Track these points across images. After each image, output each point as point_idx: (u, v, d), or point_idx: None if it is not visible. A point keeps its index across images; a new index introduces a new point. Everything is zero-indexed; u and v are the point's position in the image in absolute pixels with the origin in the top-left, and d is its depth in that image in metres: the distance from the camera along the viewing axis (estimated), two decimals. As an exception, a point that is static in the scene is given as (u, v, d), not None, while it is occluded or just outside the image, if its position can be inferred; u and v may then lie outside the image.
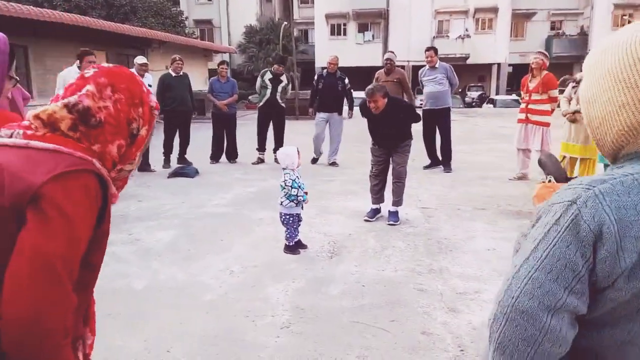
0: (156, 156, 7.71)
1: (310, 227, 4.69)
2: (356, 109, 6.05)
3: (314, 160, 8.12)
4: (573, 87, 5.77)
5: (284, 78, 8.01)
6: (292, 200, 3.91)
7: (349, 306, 3.09)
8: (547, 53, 6.54)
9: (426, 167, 7.50)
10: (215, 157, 8.33)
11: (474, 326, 2.83)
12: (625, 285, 0.73)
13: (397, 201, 4.84)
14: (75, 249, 0.95)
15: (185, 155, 8.03)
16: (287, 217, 3.96)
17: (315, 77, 8.15)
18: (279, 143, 8.19)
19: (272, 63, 8.13)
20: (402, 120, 4.74)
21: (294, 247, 4.00)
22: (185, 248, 4.15)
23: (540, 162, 5.43)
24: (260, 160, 8.11)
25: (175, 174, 7.13)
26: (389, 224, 4.71)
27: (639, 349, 0.78)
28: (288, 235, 3.98)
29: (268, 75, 7.96)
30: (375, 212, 4.94)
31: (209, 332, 2.80)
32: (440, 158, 7.45)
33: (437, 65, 7.25)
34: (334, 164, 7.96)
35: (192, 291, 3.33)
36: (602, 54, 0.85)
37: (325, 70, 8.10)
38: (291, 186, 3.88)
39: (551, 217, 0.78)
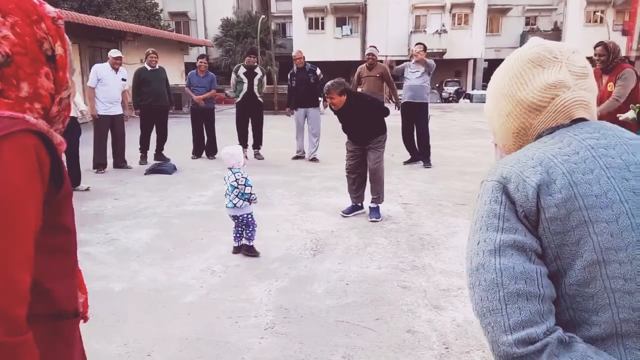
0: (132, 152, 7.55)
1: (292, 224, 4.66)
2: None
3: (296, 157, 8.08)
4: None
5: (258, 70, 7.89)
6: (246, 199, 3.78)
7: (334, 305, 3.07)
8: None
9: (406, 162, 7.52)
10: (197, 152, 8.23)
11: (458, 323, 2.84)
12: (551, 200, 0.84)
13: (376, 198, 4.81)
14: (26, 225, 0.82)
15: (163, 151, 7.89)
16: (246, 216, 3.82)
17: (288, 76, 8.13)
18: (258, 139, 8.13)
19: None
20: (368, 116, 4.66)
21: (253, 247, 3.87)
22: (165, 248, 4.06)
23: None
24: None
25: (153, 170, 6.98)
26: (370, 221, 4.70)
27: (617, 264, 0.81)
28: (250, 235, 3.84)
29: (242, 70, 7.84)
30: (353, 209, 4.90)
31: (190, 335, 2.74)
32: (419, 154, 7.48)
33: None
34: (314, 159, 7.92)
35: (172, 292, 3.26)
36: (493, 76, 1.05)
37: (295, 67, 8.05)
38: (245, 184, 3.76)
39: (477, 201, 0.95)
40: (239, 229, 3.87)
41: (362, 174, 4.88)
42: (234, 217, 3.84)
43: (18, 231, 0.81)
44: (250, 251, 3.85)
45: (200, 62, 8.13)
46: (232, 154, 3.83)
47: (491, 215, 0.88)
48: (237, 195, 3.76)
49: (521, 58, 0.99)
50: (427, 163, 7.33)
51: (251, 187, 3.79)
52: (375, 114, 4.73)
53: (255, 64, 7.91)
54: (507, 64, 1.02)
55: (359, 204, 4.94)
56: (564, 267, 0.85)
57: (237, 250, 3.90)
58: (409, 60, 7.43)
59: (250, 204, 3.82)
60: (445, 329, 2.77)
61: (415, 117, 7.36)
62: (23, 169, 0.82)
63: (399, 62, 7.74)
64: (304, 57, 7.93)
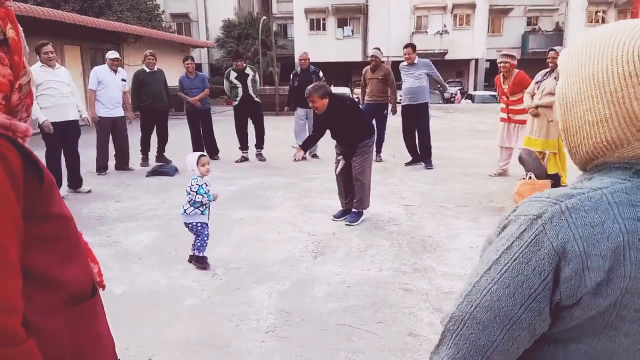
0: (134, 154, 7.55)
1: (293, 226, 4.65)
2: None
3: (303, 158, 8.10)
4: (536, 82, 5.79)
5: (249, 71, 7.89)
6: (197, 208, 3.62)
7: (335, 308, 3.06)
8: (512, 54, 6.50)
9: (408, 164, 7.51)
10: None
11: (460, 326, 2.82)
12: (591, 302, 0.72)
13: (358, 203, 4.72)
14: (2, 232, 0.77)
15: (164, 153, 7.91)
16: (196, 224, 3.65)
17: (291, 76, 8.24)
18: (260, 140, 8.15)
19: (247, 60, 8.11)
20: (347, 121, 4.60)
21: (205, 259, 3.69)
22: (166, 250, 4.06)
23: (520, 159, 5.47)
24: (244, 159, 8.04)
25: (154, 172, 6.98)
26: (346, 224, 4.64)
27: None
28: (199, 244, 3.67)
29: (233, 74, 7.86)
30: (343, 213, 4.86)
31: (191, 338, 2.73)
32: (420, 155, 7.47)
33: (415, 62, 7.25)
34: (315, 156, 8.09)
35: (173, 295, 3.25)
36: (586, 55, 0.77)
37: (299, 68, 8.15)
38: (196, 192, 3.58)
39: (515, 230, 0.77)
40: (204, 231, 3.73)
41: (349, 177, 4.79)
42: (185, 224, 3.70)
43: (3, 241, 0.76)
44: (199, 262, 3.68)
45: (187, 64, 8.12)
46: (189, 161, 3.71)
47: (526, 285, 0.74)
48: (188, 202, 3.62)
49: None
50: (428, 164, 7.31)
51: (203, 195, 3.59)
52: (354, 119, 4.66)
53: (244, 65, 7.91)
54: (625, 49, 0.73)
55: (349, 209, 4.85)
56: (559, 342, 0.79)
57: (197, 260, 3.73)
58: (403, 62, 7.41)
59: (202, 213, 3.66)
60: (447, 332, 2.76)
61: (416, 118, 7.35)
62: None
63: (400, 63, 7.70)
64: (308, 59, 8.03)
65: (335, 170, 4.89)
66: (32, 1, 17.21)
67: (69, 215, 0.97)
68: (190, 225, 3.68)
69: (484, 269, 0.79)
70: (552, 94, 5.35)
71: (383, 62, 7.74)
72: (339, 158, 4.84)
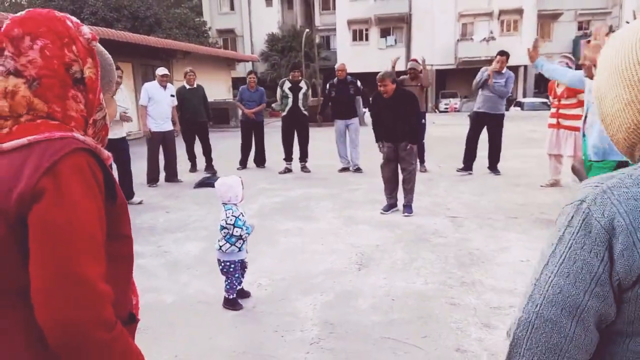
0: (183, 167, 7.81)
1: (336, 237, 4.65)
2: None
3: (343, 169, 8.11)
4: None
5: (303, 84, 8.02)
6: (234, 244, 3.17)
7: (379, 321, 3.02)
8: (571, 57, 6.30)
9: (459, 170, 7.42)
10: (242, 163, 8.59)
11: (511, 343, 2.72)
12: None
13: (410, 189, 5.34)
14: (98, 241, 0.87)
15: (212, 163, 8.30)
16: (228, 264, 3.19)
17: (327, 86, 8.22)
18: (304, 153, 8.23)
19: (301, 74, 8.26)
20: (407, 109, 5.17)
21: (235, 300, 3.26)
22: (213, 260, 4.09)
23: (573, 169, 5.25)
24: (288, 170, 8.14)
25: (201, 184, 7.17)
26: (404, 216, 5.23)
27: None
28: (228, 287, 3.24)
29: (287, 84, 8.00)
30: (390, 207, 5.43)
31: (237, 348, 2.77)
32: (488, 162, 7.43)
33: (504, 71, 7.14)
34: (358, 169, 8.00)
35: (220, 305, 3.31)
36: (611, 50, 0.84)
37: (335, 78, 8.13)
38: (234, 224, 3.12)
39: (564, 219, 0.79)
40: (235, 274, 3.26)
41: (395, 175, 5.42)
42: (218, 262, 3.27)
43: (93, 249, 0.86)
44: (228, 304, 3.26)
45: (250, 78, 8.48)
46: (231, 185, 3.20)
47: (585, 271, 0.74)
48: (224, 237, 3.18)
49: None
50: (496, 171, 7.34)
51: (241, 228, 3.15)
52: (412, 110, 5.23)
53: (300, 78, 8.06)
54: (629, 37, 0.81)
55: (395, 203, 5.47)
56: (627, 335, 0.77)
57: (227, 303, 3.27)
58: (487, 68, 7.21)
59: (240, 250, 3.22)
60: (497, 349, 2.67)
61: (489, 127, 7.29)
62: (83, 187, 0.86)
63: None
64: (346, 70, 8.05)
65: (383, 159, 5.45)
66: (87, 22, 18.21)
67: (131, 237, 1.06)
68: (223, 264, 3.23)
69: (542, 265, 0.80)
70: None
71: (421, 72, 7.57)
72: (383, 150, 5.42)
